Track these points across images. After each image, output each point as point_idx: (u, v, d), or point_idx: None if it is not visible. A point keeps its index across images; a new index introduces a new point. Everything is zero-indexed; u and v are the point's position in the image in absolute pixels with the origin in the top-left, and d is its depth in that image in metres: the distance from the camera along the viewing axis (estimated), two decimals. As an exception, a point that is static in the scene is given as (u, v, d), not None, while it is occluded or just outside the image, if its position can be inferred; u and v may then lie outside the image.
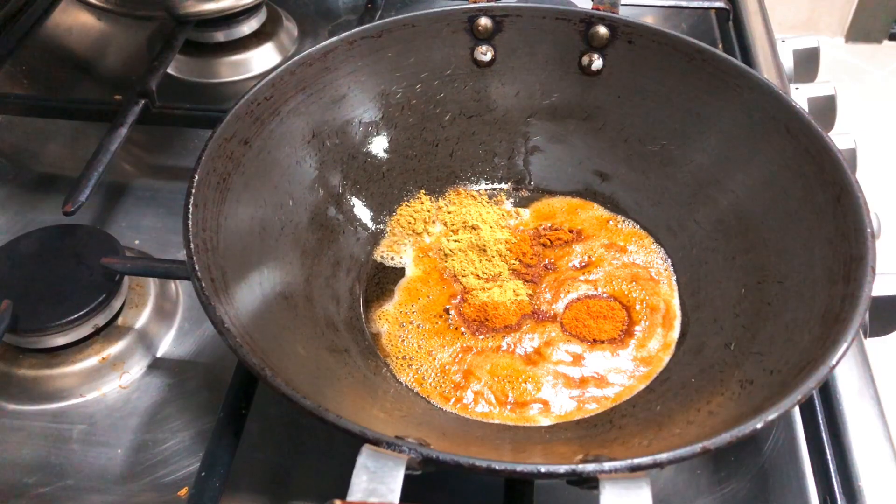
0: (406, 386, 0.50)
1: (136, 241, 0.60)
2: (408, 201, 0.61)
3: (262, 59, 0.78)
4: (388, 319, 0.54)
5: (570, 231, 0.59)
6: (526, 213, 0.61)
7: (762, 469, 0.47)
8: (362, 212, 0.59)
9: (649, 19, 0.83)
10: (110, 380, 0.51)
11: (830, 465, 0.45)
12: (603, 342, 0.53)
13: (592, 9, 0.59)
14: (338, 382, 0.47)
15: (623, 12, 0.60)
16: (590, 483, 0.34)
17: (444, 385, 0.50)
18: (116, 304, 0.52)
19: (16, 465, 0.47)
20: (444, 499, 0.46)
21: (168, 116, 0.66)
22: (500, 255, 0.58)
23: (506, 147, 0.63)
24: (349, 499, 0.32)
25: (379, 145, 0.60)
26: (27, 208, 0.64)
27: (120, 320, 0.53)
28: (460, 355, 0.52)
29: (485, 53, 0.60)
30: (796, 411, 0.49)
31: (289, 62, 0.54)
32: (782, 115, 0.51)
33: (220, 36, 0.77)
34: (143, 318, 0.54)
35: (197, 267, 0.42)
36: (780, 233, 0.50)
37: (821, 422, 0.47)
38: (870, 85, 2.17)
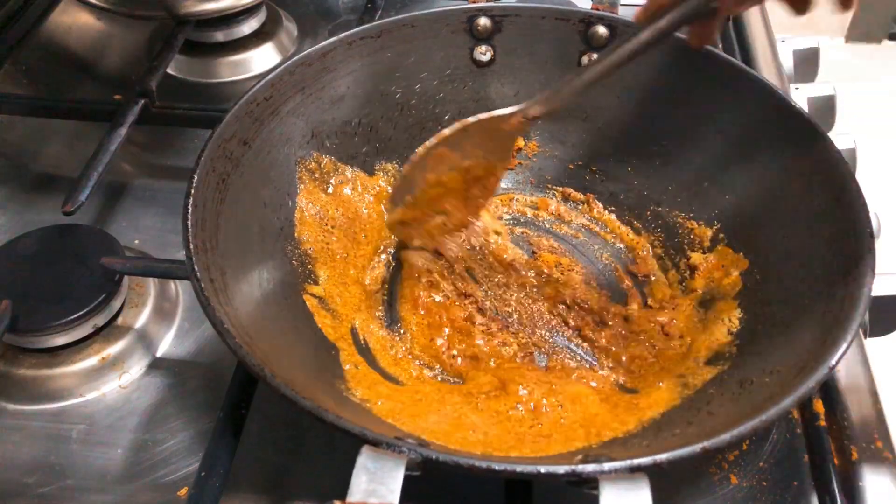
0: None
1: (136, 241, 0.60)
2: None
3: (262, 59, 0.78)
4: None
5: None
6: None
7: (762, 469, 0.47)
8: (362, 212, 0.59)
9: (649, 19, 0.83)
10: (110, 380, 0.51)
11: (830, 465, 0.45)
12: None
13: (592, 9, 0.60)
14: (338, 383, 0.47)
15: (622, 12, 0.60)
16: (590, 484, 0.34)
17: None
18: (116, 304, 0.52)
19: (16, 465, 0.47)
20: (444, 499, 0.45)
21: (168, 116, 0.66)
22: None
23: (505, 147, 0.63)
24: (349, 499, 0.32)
25: (378, 146, 0.60)
26: (27, 208, 0.64)
27: (120, 320, 0.53)
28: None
29: (484, 53, 0.60)
30: (796, 411, 0.49)
31: (288, 62, 0.54)
32: (782, 115, 0.51)
33: (220, 36, 0.77)
34: (142, 318, 0.54)
35: (196, 267, 0.42)
36: (780, 233, 0.50)
37: (821, 422, 0.47)
38: (870, 85, 2.17)
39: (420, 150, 0.52)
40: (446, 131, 0.52)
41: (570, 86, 0.50)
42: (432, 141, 0.52)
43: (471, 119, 0.52)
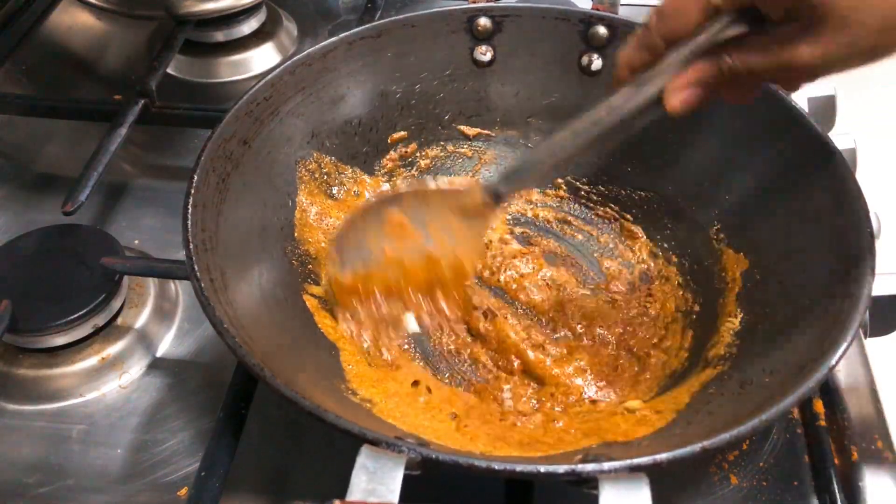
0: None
1: (136, 241, 0.60)
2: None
3: (262, 58, 0.78)
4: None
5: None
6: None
7: (762, 469, 0.47)
8: (362, 212, 0.59)
9: (649, 19, 0.83)
10: (110, 380, 0.51)
11: (830, 465, 0.45)
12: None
13: (592, 9, 0.59)
14: (338, 383, 0.47)
15: (623, 12, 0.60)
16: (589, 483, 0.34)
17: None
18: (116, 304, 0.52)
19: (16, 465, 0.47)
20: (444, 499, 0.45)
21: (168, 116, 0.66)
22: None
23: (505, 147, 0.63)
24: (348, 499, 0.32)
25: (378, 146, 0.60)
26: (27, 208, 0.64)
27: (119, 320, 0.53)
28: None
29: (484, 54, 0.60)
30: (796, 411, 0.49)
31: (288, 62, 0.54)
32: (782, 115, 0.51)
33: (220, 36, 0.77)
34: (142, 318, 0.54)
35: (196, 267, 0.42)
36: (780, 233, 0.50)
37: (821, 422, 0.47)
38: (870, 85, 2.17)
39: (371, 197, 0.48)
40: (402, 187, 0.48)
41: (545, 160, 0.45)
42: (383, 193, 0.47)
43: (430, 185, 0.48)
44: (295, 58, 0.55)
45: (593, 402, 0.49)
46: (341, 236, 0.50)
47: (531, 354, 0.51)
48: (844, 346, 0.39)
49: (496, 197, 0.46)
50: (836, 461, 0.46)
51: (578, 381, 0.50)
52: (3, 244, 0.54)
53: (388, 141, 0.60)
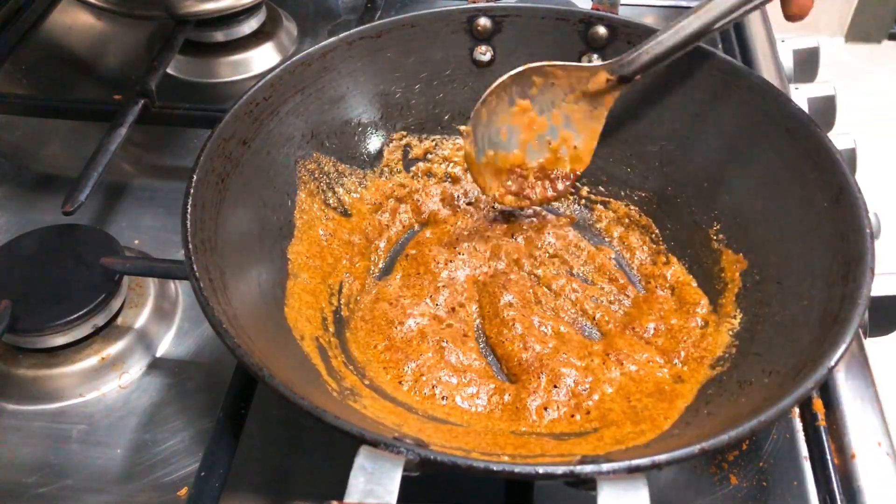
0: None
1: (136, 241, 0.60)
2: (407, 201, 0.61)
3: (262, 58, 0.78)
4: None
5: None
6: None
7: (762, 469, 0.47)
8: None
9: (649, 19, 0.83)
10: (110, 380, 0.51)
11: (830, 465, 0.45)
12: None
13: (592, 9, 0.59)
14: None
15: (623, 12, 0.60)
16: (588, 484, 0.34)
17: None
18: (116, 304, 0.52)
19: (15, 465, 0.47)
20: (444, 498, 0.45)
21: (168, 116, 0.66)
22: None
23: (505, 147, 0.63)
24: (346, 500, 0.32)
25: (377, 146, 0.60)
26: (27, 208, 0.64)
27: (119, 320, 0.53)
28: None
29: (484, 54, 0.60)
30: (796, 411, 0.49)
31: (288, 62, 0.54)
32: (782, 115, 0.51)
33: (220, 36, 0.77)
34: (142, 318, 0.54)
35: (195, 267, 0.42)
36: (780, 233, 0.50)
37: (820, 422, 0.47)
38: (870, 85, 2.17)
39: (504, 77, 0.52)
40: (532, 64, 0.52)
41: (670, 39, 0.49)
42: (514, 74, 0.52)
43: (558, 62, 0.52)
44: (295, 58, 0.55)
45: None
46: (476, 114, 0.54)
47: (520, 347, 0.51)
48: (844, 346, 0.39)
49: (622, 79, 0.50)
50: (836, 461, 0.46)
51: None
52: (3, 244, 0.54)
53: (388, 141, 0.60)
